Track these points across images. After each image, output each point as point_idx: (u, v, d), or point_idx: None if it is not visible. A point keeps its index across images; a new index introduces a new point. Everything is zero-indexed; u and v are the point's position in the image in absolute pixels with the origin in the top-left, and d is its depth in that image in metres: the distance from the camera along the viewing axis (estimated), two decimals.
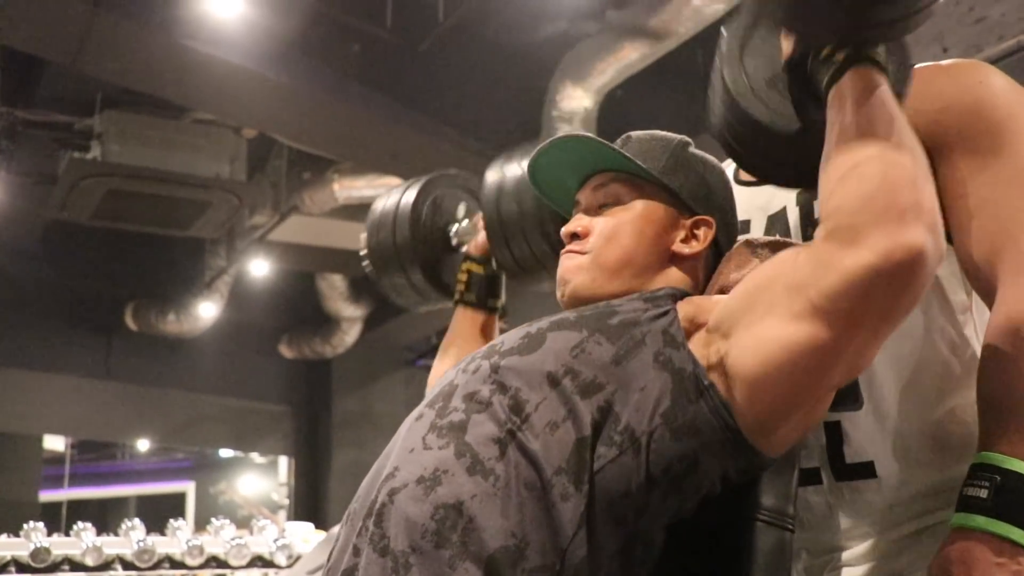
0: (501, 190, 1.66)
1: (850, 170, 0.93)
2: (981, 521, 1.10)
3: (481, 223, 1.71)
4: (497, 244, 1.66)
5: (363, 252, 1.87)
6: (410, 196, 1.83)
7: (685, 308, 1.11)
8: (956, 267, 1.28)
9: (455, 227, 1.83)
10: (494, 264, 1.69)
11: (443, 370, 1.56)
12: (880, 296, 0.87)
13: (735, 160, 1.28)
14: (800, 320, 0.91)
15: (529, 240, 1.63)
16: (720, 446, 1.04)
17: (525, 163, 1.46)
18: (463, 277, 1.69)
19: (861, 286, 0.87)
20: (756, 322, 1.00)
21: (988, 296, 1.22)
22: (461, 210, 1.85)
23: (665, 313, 1.10)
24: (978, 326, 1.30)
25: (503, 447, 1.01)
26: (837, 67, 1.02)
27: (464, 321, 1.67)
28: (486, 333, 1.67)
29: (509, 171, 1.67)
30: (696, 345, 1.07)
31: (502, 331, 1.48)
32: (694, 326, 1.09)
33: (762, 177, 1.26)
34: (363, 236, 1.86)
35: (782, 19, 1.09)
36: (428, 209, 1.83)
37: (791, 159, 1.14)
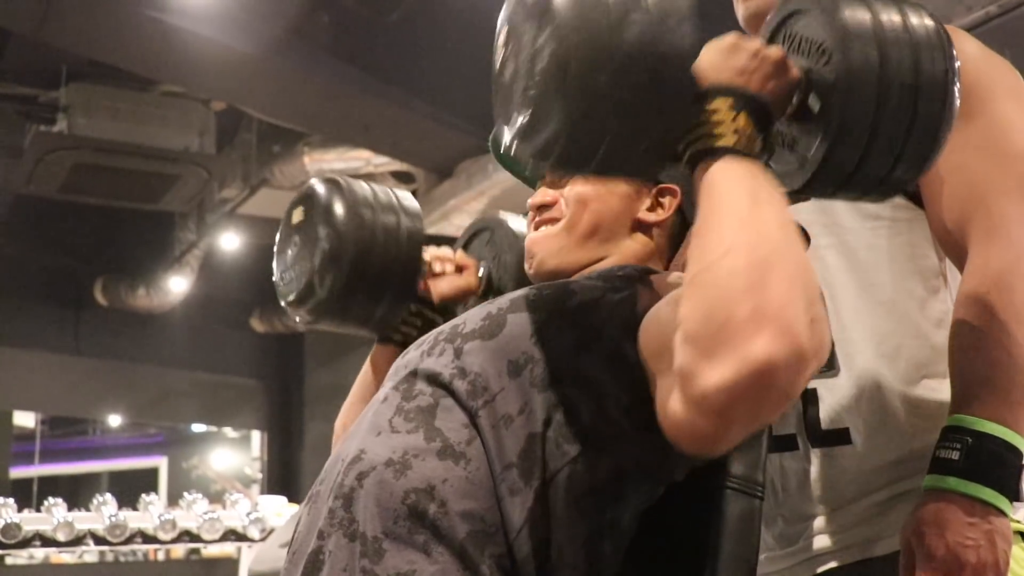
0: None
1: (696, 275, 0.89)
2: (952, 482, 1.11)
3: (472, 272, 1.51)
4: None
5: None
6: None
7: (646, 297, 1.09)
8: (928, 232, 1.29)
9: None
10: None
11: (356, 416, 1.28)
12: (741, 406, 0.84)
13: None
14: (683, 404, 0.87)
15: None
16: None
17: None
18: (416, 322, 1.49)
19: (719, 400, 0.83)
20: (661, 376, 0.96)
21: (959, 261, 1.23)
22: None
23: (625, 299, 1.08)
24: (951, 290, 1.31)
25: (472, 433, 1.01)
26: (687, 158, 0.97)
27: (388, 362, 1.32)
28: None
29: None
30: None
31: None
32: None
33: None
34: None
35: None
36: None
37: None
